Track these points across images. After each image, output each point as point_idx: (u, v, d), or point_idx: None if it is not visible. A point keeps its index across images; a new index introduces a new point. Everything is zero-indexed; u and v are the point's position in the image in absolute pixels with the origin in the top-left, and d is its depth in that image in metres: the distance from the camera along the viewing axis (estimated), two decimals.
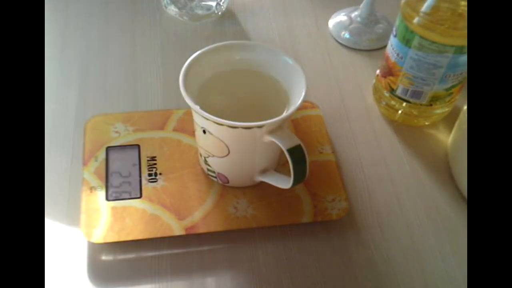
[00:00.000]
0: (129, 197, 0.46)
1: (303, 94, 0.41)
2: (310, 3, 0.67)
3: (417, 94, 0.51)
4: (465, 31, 0.45)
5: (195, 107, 0.40)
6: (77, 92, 0.55)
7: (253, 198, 0.47)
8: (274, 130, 0.41)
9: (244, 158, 0.44)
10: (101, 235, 0.43)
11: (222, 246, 0.45)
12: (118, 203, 0.45)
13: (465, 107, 0.50)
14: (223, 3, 0.64)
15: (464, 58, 0.47)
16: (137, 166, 0.48)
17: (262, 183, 0.46)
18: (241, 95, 0.47)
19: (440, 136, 0.54)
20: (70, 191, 0.47)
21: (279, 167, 0.49)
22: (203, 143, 0.44)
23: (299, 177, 0.42)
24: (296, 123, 0.52)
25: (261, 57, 0.45)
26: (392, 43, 0.50)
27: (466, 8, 0.45)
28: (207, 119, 0.40)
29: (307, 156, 0.41)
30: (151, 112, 0.53)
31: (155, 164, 0.48)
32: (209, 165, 0.46)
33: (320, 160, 0.50)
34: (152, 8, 0.64)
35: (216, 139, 0.42)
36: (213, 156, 0.45)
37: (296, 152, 0.40)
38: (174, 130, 0.51)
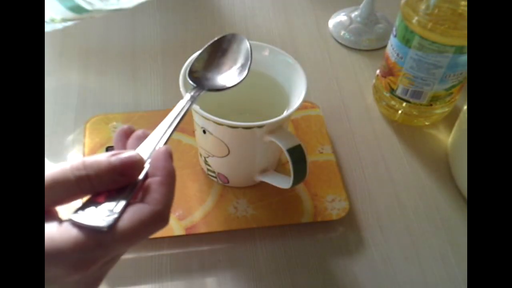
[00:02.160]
0: None
1: (303, 94, 0.41)
2: (310, 3, 0.67)
3: (417, 94, 0.51)
4: (465, 31, 0.45)
5: (195, 107, 0.40)
6: (77, 92, 0.55)
7: (253, 198, 0.47)
8: (274, 130, 0.41)
9: (244, 158, 0.44)
10: None
11: (222, 246, 0.45)
12: None
13: (465, 107, 0.50)
14: None
15: (464, 58, 0.47)
16: None
17: (262, 183, 0.46)
18: (241, 95, 0.47)
19: (440, 136, 0.54)
20: None
21: (279, 167, 0.49)
22: (203, 143, 0.44)
23: (299, 177, 0.42)
24: (296, 123, 0.52)
25: (261, 57, 0.45)
26: (392, 43, 0.50)
27: (466, 8, 0.45)
28: (207, 119, 0.40)
29: (307, 156, 0.41)
30: (151, 112, 0.53)
31: None
32: (209, 165, 0.46)
33: (320, 160, 0.50)
34: (152, 8, 0.64)
35: (216, 139, 0.42)
36: (213, 156, 0.45)
37: (296, 152, 0.40)
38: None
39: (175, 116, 0.33)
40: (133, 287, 0.42)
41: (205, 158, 0.46)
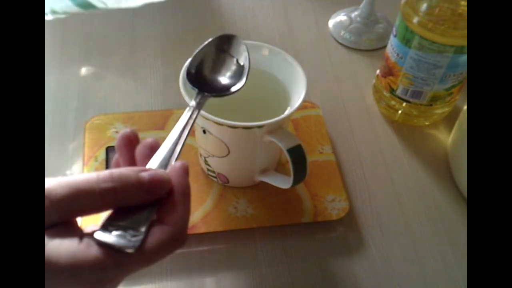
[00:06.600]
0: None
1: (303, 94, 0.41)
2: (310, 3, 0.67)
3: (417, 94, 0.51)
4: (465, 31, 0.45)
5: None
6: (76, 92, 0.55)
7: (253, 198, 0.47)
8: (274, 130, 0.41)
9: (244, 158, 0.44)
10: None
11: (222, 246, 0.45)
12: None
13: (465, 107, 0.50)
14: None
15: (464, 58, 0.47)
16: None
17: (262, 183, 0.46)
18: (241, 95, 0.47)
19: (440, 136, 0.54)
20: None
21: (279, 167, 0.49)
22: (203, 143, 0.44)
23: (299, 177, 0.42)
24: (296, 123, 0.52)
25: (262, 57, 0.45)
26: (392, 43, 0.50)
27: (466, 8, 0.45)
28: (207, 119, 0.40)
29: (307, 156, 0.41)
30: (151, 112, 0.53)
31: None
32: (209, 165, 0.46)
33: (320, 160, 0.50)
34: (152, 8, 0.64)
35: (216, 139, 0.42)
36: (213, 156, 0.44)
37: (296, 152, 0.40)
38: None
39: (184, 125, 0.32)
40: (133, 287, 0.42)
41: (205, 158, 0.46)
